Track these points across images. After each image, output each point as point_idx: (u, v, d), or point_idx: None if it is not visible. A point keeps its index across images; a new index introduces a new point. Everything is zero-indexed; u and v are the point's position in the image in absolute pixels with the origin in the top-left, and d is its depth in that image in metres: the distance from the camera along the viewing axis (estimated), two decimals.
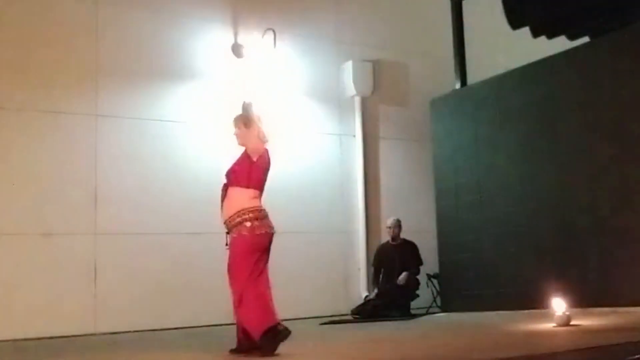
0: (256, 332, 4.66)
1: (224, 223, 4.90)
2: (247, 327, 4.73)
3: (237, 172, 4.92)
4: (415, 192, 10.00)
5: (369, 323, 7.95)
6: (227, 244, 4.89)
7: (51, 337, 7.33)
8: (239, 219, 4.81)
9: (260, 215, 4.85)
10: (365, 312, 8.46)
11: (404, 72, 10.55)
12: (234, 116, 5.09)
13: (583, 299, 6.60)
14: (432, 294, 9.08)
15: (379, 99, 10.29)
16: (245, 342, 4.83)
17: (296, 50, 9.55)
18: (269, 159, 5.01)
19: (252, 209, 4.84)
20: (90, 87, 8.24)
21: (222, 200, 4.95)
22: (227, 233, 4.90)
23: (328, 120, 9.84)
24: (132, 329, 7.77)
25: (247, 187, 4.88)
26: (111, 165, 8.20)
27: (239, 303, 4.74)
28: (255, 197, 4.90)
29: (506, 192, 8.12)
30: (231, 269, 4.80)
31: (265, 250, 4.86)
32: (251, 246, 4.78)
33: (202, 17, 9.05)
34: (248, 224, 4.79)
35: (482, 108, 8.56)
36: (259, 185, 4.94)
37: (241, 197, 4.86)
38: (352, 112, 9.99)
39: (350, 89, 9.96)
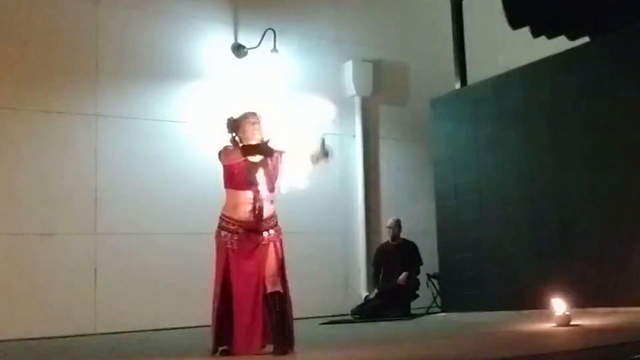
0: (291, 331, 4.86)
1: (257, 223, 4.93)
2: (288, 323, 4.85)
3: (275, 180, 5.05)
4: (415, 192, 9.99)
5: (369, 323, 7.95)
6: (229, 242, 4.94)
7: (51, 337, 7.33)
8: (275, 221, 5.02)
9: None
10: (365, 312, 8.47)
11: (404, 72, 10.55)
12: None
13: (583, 299, 6.59)
14: (432, 294, 9.08)
15: (379, 99, 10.29)
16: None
17: (296, 51, 9.55)
18: None
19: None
20: (90, 87, 8.25)
21: (257, 202, 4.93)
22: (246, 232, 4.94)
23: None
24: (132, 329, 7.77)
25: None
26: (111, 165, 8.21)
27: (284, 302, 4.87)
28: None
29: (506, 192, 8.11)
30: (282, 269, 4.94)
31: None
32: None
33: (203, 17, 9.05)
34: (277, 227, 5.04)
35: (482, 108, 8.55)
36: None
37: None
38: (352, 112, 9.99)
39: (350, 89, 9.96)
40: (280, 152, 5.07)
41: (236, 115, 5.12)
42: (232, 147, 5.02)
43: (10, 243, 7.58)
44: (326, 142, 4.96)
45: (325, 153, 4.97)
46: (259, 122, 5.06)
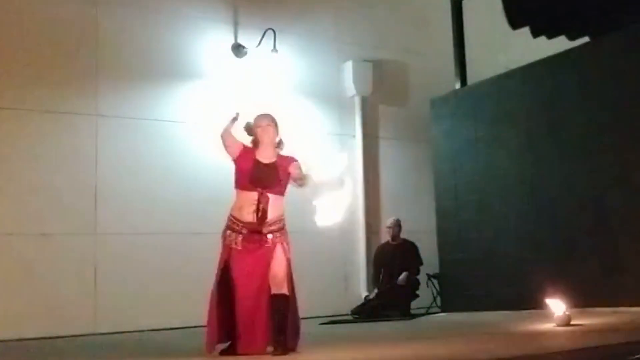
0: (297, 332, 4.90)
1: (260, 225, 4.92)
2: (291, 324, 4.85)
3: (284, 181, 5.04)
4: (415, 192, 10.00)
5: (369, 323, 7.95)
6: (234, 242, 4.93)
7: (51, 337, 7.33)
8: (282, 224, 5.00)
9: None
10: (365, 312, 8.47)
11: (404, 72, 10.55)
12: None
13: (583, 299, 6.60)
14: (432, 294, 9.08)
15: (379, 99, 10.29)
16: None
17: (296, 50, 9.56)
18: None
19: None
20: (90, 87, 8.25)
21: (261, 204, 4.91)
22: (250, 233, 4.93)
23: (328, 120, 9.85)
24: (132, 329, 7.77)
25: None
26: (111, 165, 8.20)
27: (288, 304, 4.86)
28: None
29: (506, 192, 8.12)
30: (288, 271, 4.94)
31: None
32: None
33: (203, 17, 9.05)
34: (283, 230, 5.03)
35: (482, 108, 8.56)
36: None
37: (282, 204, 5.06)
38: (352, 112, 9.99)
39: (350, 89, 9.97)
40: (293, 158, 5.09)
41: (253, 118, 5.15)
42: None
43: (10, 243, 7.58)
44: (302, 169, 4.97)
45: (305, 179, 4.97)
46: (270, 125, 5.07)
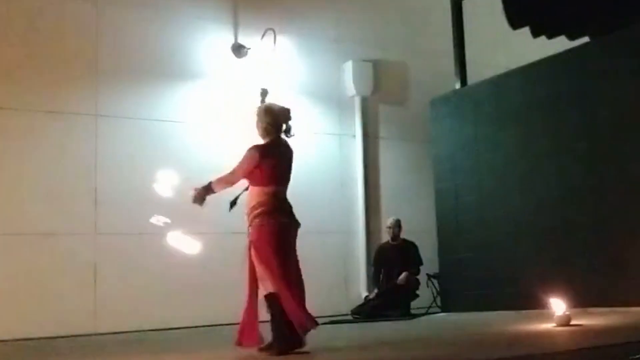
0: (301, 328, 4.76)
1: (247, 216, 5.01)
2: (284, 323, 4.74)
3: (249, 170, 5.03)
4: (415, 192, 10.00)
5: (369, 323, 7.95)
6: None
7: (51, 337, 7.33)
8: (257, 212, 4.95)
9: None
10: (365, 312, 8.47)
11: (404, 72, 10.55)
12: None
13: (583, 299, 6.60)
14: (432, 294, 9.08)
15: (379, 99, 10.29)
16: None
17: (296, 50, 9.56)
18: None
19: None
20: (90, 87, 8.25)
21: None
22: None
23: (328, 120, 9.84)
24: (132, 329, 7.78)
25: None
26: (111, 165, 8.21)
27: (277, 303, 4.77)
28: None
29: (506, 192, 8.12)
30: (267, 268, 4.87)
31: None
32: None
33: (202, 17, 9.06)
34: (259, 219, 4.94)
35: (482, 108, 8.56)
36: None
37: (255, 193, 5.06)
38: (352, 112, 9.99)
39: (350, 89, 9.97)
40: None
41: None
42: None
43: (10, 243, 7.58)
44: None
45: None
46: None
